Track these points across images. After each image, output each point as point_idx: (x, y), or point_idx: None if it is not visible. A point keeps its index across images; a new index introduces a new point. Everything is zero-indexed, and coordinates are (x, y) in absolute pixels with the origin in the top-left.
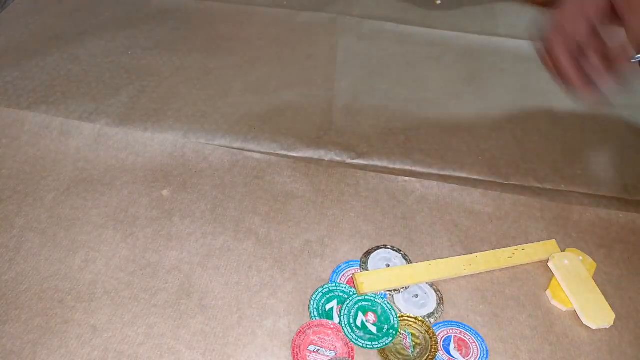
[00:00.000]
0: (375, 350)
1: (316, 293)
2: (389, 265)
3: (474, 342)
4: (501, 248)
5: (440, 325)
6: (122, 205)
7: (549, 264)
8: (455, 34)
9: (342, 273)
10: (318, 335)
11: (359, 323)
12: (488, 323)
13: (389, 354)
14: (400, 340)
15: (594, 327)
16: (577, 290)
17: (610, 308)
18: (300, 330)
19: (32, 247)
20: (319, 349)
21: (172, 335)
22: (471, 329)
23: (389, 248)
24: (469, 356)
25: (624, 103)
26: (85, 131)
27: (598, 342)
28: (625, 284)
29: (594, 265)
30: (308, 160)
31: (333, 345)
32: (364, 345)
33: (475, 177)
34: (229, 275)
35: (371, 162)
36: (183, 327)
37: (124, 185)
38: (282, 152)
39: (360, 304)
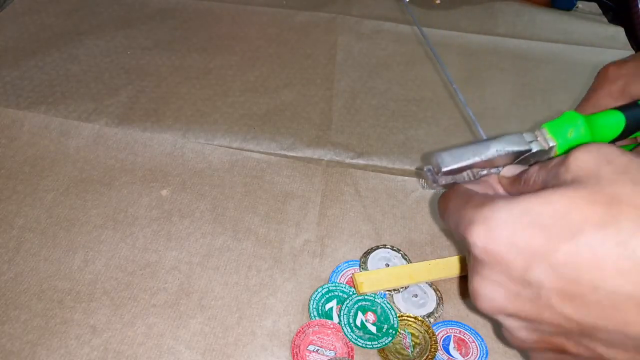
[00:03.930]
0: (375, 350)
1: (316, 293)
2: (388, 265)
3: (474, 342)
4: None
5: (440, 324)
6: (121, 205)
7: None
8: (455, 34)
9: (342, 273)
10: (318, 335)
11: (358, 323)
12: (488, 323)
13: (389, 354)
14: (400, 340)
15: None
16: None
17: None
18: (300, 330)
19: (31, 247)
20: (318, 349)
21: (172, 335)
22: (471, 328)
23: (388, 248)
24: (469, 356)
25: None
26: (85, 131)
27: None
28: None
29: None
30: (307, 160)
31: (333, 345)
32: (364, 345)
33: None
34: (229, 275)
35: (370, 162)
36: (182, 327)
37: (123, 185)
38: (282, 152)
39: (359, 303)
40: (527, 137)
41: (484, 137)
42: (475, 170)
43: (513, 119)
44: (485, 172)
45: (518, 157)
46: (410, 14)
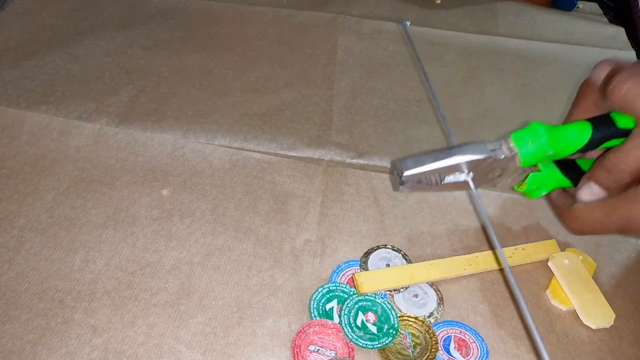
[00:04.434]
0: (375, 350)
1: (316, 293)
2: (389, 265)
3: (474, 342)
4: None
5: (440, 325)
6: (122, 205)
7: (549, 264)
8: (455, 34)
9: (342, 273)
10: (318, 335)
11: (359, 323)
12: (488, 323)
13: (389, 354)
14: (400, 340)
15: (593, 327)
16: (577, 289)
17: (610, 308)
18: (301, 330)
19: (32, 247)
20: (319, 349)
21: (172, 335)
22: (471, 328)
23: (389, 248)
24: (469, 356)
25: None
26: (85, 131)
27: (598, 342)
28: (625, 284)
29: (594, 265)
30: (308, 160)
31: (333, 345)
32: (364, 345)
33: None
34: (229, 275)
35: (371, 162)
36: (183, 327)
37: (123, 185)
38: (282, 152)
39: (360, 303)
40: (490, 146)
41: (454, 144)
42: (441, 175)
43: (513, 119)
44: (451, 177)
45: (480, 164)
46: (407, 35)
